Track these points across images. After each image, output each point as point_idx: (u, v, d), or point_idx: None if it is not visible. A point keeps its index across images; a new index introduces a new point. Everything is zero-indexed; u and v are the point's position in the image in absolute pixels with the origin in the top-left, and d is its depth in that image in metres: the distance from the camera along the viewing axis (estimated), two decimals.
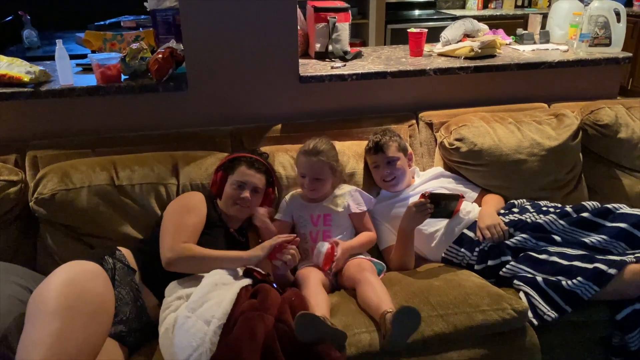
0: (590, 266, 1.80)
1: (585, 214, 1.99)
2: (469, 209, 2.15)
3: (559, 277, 1.83)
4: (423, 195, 1.97)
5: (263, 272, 1.79)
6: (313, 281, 1.83)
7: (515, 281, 1.92)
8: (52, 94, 2.16)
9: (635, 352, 1.82)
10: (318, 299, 1.72)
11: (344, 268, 1.98)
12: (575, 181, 2.43)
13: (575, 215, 2.01)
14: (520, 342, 1.79)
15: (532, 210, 2.12)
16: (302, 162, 2.07)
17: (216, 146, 2.25)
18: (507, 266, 1.96)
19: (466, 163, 2.33)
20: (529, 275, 1.90)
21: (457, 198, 2.04)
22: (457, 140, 2.32)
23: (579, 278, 1.78)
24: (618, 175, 2.48)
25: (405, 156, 2.24)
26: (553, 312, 1.80)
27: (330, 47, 2.64)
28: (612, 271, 1.75)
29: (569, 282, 1.79)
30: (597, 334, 1.92)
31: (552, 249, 1.93)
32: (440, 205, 1.99)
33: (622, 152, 2.46)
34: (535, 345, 1.80)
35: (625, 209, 1.99)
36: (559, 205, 2.15)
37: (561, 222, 2.00)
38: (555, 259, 1.88)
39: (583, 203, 2.07)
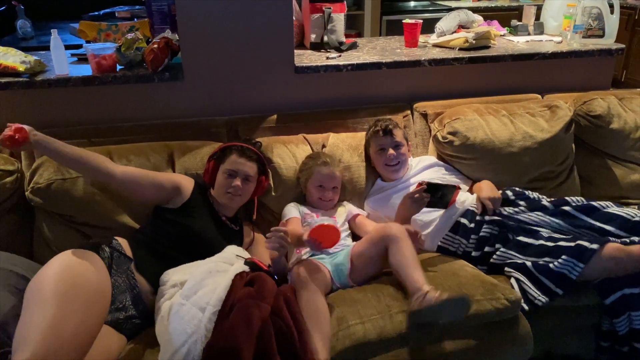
0: (573, 244, 1.83)
1: (567, 208, 2.02)
2: (463, 198, 2.17)
3: (546, 259, 1.86)
4: (420, 184, 1.98)
5: (265, 264, 1.81)
6: (312, 286, 1.71)
7: (506, 268, 1.95)
8: (47, 83, 2.16)
9: (622, 336, 1.86)
10: (318, 318, 1.62)
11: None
12: (567, 172, 2.45)
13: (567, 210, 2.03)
14: (513, 331, 1.81)
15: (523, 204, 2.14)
16: (324, 172, 2.11)
17: (212, 136, 2.26)
18: (497, 253, 1.99)
19: (459, 157, 2.34)
20: (519, 261, 1.93)
21: (454, 189, 2.05)
22: (450, 133, 2.33)
23: (563, 257, 1.81)
24: (610, 166, 2.50)
25: (407, 145, 2.27)
26: (543, 296, 1.83)
27: (325, 38, 2.65)
28: (594, 246, 1.78)
29: (556, 262, 1.83)
30: (588, 320, 1.96)
31: (542, 231, 1.97)
32: (436, 195, 2.01)
33: (614, 142, 2.49)
34: (528, 333, 1.82)
35: (612, 207, 2.01)
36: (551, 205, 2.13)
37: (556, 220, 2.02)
38: (542, 242, 1.92)
39: (566, 198, 2.09)
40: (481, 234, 2.03)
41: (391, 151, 2.20)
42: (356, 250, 1.90)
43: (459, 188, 2.08)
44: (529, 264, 1.89)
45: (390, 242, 1.80)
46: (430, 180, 2.09)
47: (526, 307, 1.85)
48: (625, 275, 1.82)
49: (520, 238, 1.97)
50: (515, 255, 1.95)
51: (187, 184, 1.97)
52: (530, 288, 1.86)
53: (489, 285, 1.82)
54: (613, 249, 1.79)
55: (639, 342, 1.84)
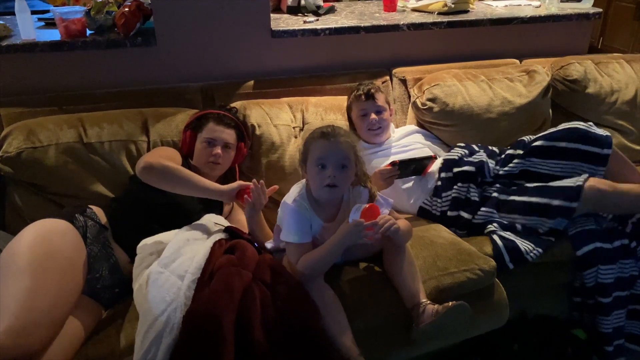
0: (554, 203, 1.85)
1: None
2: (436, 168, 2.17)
3: (534, 218, 1.89)
4: (393, 164, 1.99)
5: (245, 232, 1.79)
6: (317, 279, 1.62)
7: (491, 226, 1.96)
8: (13, 49, 2.08)
9: (589, 288, 1.93)
10: (336, 316, 1.56)
11: None
12: None
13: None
14: (489, 300, 1.81)
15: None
16: (321, 146, 1.59)
17: (187, 103, 2.21)
18: (480, 212, 1.99)
19: (438, 123, 2.34)
20: (505, 221, 1.95)
21: (429, 159, 2.07)
22: (429, 100, 2.32)
23: (547, 220, 1.87)
24: None
25: (389, 109, 2.25)
26: (538, 249, 1.87)
27: (302, 2, 2.60)
28: (574, 205, 1.82)
29: (545, 224, 1.88)
30: (561, 279, 2.01)
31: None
32: (409, 167, 2.04)
33: (590, 107, 2.51)
34: (504, 300, 1.82)
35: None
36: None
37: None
38: (524, 198, 1.92)
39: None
40: (453, 194, 2.03)
41: (373, 115, 2.17)
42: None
43: (435, 158, 2.09)
44: (518, 226, 1.93)
45: (389, 247, 1.71)
46: (405, 155, 2.10)
47: (511, 266, 1.86)
48: (601, 230, 1.90)
49: (510, 197, 1.96)
50: (503, 215, 1.97)
51: (178, 158, 1.90)
52: (524, 243, 1.88)
53: (464, 255, 1.79)
54: (589, 189, 1.83)
55: (604, 296, 1.90)
